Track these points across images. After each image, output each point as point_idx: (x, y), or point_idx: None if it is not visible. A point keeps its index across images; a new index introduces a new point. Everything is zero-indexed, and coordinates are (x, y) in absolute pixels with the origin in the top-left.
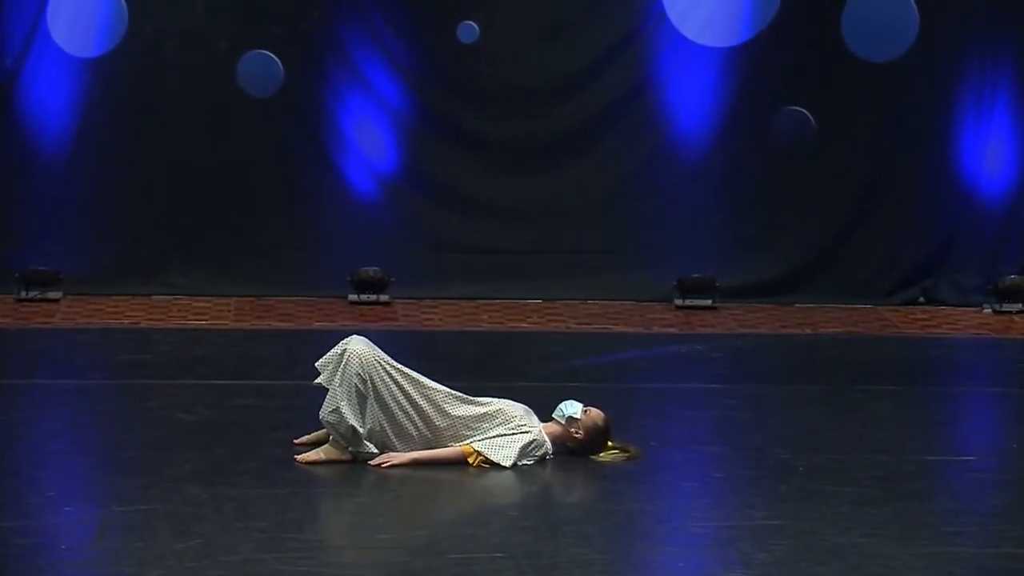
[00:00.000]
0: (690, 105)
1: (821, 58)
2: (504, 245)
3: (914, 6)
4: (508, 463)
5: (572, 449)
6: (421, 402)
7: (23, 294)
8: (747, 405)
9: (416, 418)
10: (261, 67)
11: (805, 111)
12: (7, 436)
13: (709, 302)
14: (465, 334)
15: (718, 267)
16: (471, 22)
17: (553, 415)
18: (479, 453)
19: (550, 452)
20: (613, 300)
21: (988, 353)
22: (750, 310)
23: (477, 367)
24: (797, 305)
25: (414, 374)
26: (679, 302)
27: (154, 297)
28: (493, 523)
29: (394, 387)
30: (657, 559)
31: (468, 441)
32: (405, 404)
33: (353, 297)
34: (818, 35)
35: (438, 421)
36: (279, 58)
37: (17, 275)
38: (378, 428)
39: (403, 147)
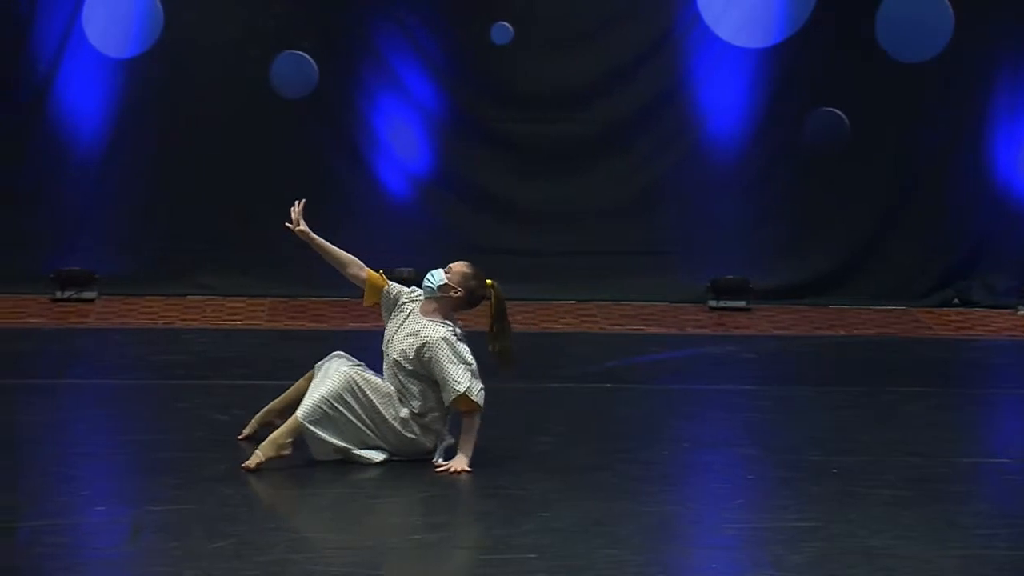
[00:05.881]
0: (724, 106)
1: (855, 59)
2: (537, 246)
3: (949, 6)
4: (466, 381)
5: (462, 308)
6: (385, 414)
7: (58, 294)
8: (780, 407)
9: (384, 430)
10: (294, 68)
11: (838, 111)
12: (41, 435)
13: (743, 304)
14: None
15: (752, 269)
16: (505, 23)
17: (424, 295)
18: (458, 398)
19: (460, 330)
20: (646, 301)
21: (1022, 355)
22: (784, 312)
23: None
24: (831, 307)
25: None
26: (713, 303)
27: (188, 297)
28: (525, 524)
29: (366, 404)
30: (690, 560)
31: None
32: (374, 419)
33: None
34: (852, 35)
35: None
36: (312, 59)
37: (52, 276)
38: (354, 441)
39: (436, 148)
